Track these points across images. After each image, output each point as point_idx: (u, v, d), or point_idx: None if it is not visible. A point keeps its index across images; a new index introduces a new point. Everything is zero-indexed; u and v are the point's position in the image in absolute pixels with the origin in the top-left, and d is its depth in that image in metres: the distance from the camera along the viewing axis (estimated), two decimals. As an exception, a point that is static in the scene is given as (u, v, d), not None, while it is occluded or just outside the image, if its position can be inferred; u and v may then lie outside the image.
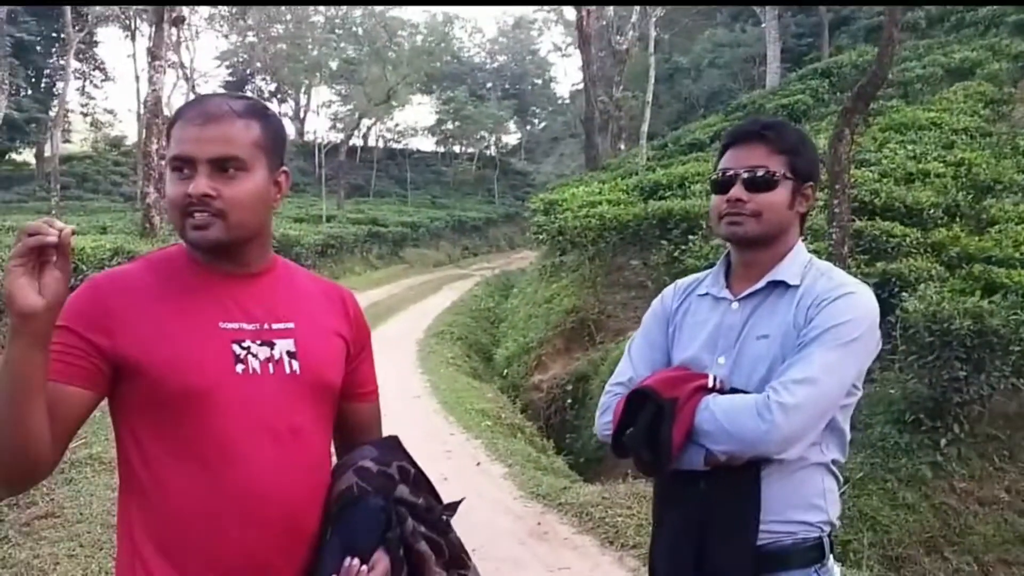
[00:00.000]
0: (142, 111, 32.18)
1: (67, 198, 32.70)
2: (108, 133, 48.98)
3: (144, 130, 23.42)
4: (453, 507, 1.86)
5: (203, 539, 1.60)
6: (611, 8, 32.60)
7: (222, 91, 47.08)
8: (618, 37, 31.20)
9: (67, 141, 43.40)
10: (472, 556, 1.86)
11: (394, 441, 1.89)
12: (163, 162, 22.07)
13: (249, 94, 44.24)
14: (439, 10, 45.50)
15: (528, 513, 6.53)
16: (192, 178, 1.62)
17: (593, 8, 29.30)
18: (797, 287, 2.05)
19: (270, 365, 1.68)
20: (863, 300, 2.01)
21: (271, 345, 1.69)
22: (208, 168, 1.62)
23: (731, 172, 2.10)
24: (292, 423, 1.69)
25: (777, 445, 1.90)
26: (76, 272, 13.64)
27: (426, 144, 56.74)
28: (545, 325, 13.92)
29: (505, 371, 13.87)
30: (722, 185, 2.11)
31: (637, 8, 29.45)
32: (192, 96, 40.85)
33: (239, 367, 1.64)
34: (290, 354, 1.71)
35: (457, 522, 1.85)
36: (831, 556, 2.07)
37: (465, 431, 8.99)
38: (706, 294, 2.21)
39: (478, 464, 7.85)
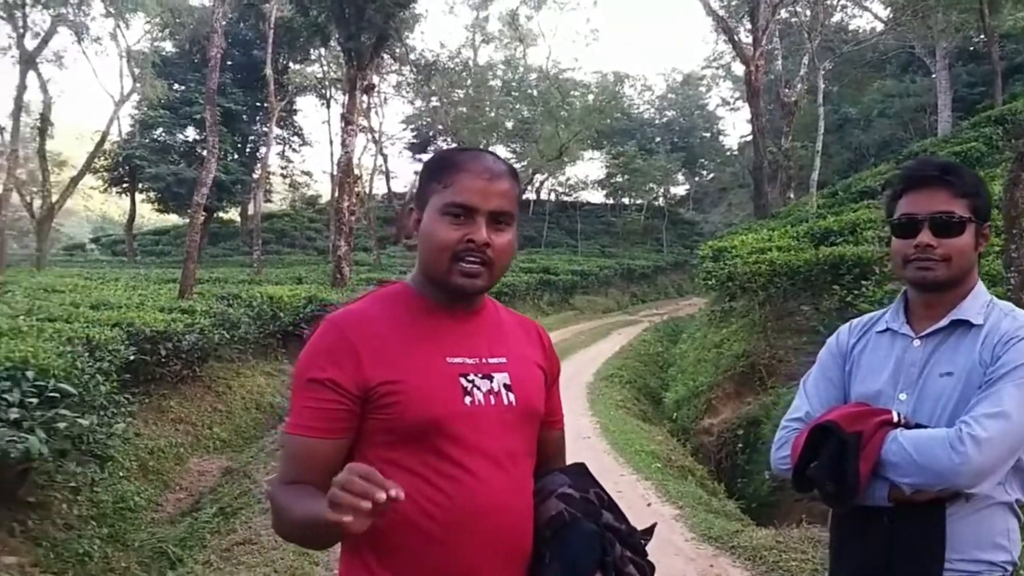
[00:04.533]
0: (335, 172, 33.78)
1: (267, 252, 34.48)
2: (304, 192, 51.58)
3: (337, 188, 24.57)
4: (649, 532, 1.90)
5: (433, 557, 1.67)
6: (779, 62, 32.09)
7: (408, 152, 49.19)
8: (786, 90, 30.58)
9: (268, 200, 45.91)
10: None
11: (583, 468, 1.92)
12: (353, 218, 23.15)
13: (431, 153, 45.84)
14: (610, 70, 45.90)
15: (700, 555, 6.35)
16: (467, 226, 1.70)
17: (762, 63, 28.89)
18: (981, 326, 1.99)
19: (491, 397, 1.74)
20: None
21: (490, 378, 1.76)
22: (486, 219, 1.70)
23: (916, 216, 2.04)
24: (511, 450, 1.76)
25: (969, 478, 1.82)
26: (274, 319, 14.38)
27: (596, 196, 57.06)
28: (715, 369, 13.64)
29: (675, 414, 13.65)
30: (906, 229, 2.06)
31: (805, 61, 28.88)
32: (380, 158, 42.70)
33: (467, 399, 1.71)
34: (506, 387, 1.77)
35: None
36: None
37: (635, 472, 8.87)
38: (886, 330, 2.15)
39: (649, 505, 7.71)
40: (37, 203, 32.52)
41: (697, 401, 13.24)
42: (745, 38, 31.05)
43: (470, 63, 42.74)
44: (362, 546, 1.68)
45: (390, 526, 1.63)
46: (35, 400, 5.83)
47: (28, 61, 28.97)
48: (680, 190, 61.40)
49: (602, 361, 17.14)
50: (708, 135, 58.31)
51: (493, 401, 1.74)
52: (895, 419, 1.93)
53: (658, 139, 54.16)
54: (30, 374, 6.06)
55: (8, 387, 5.78)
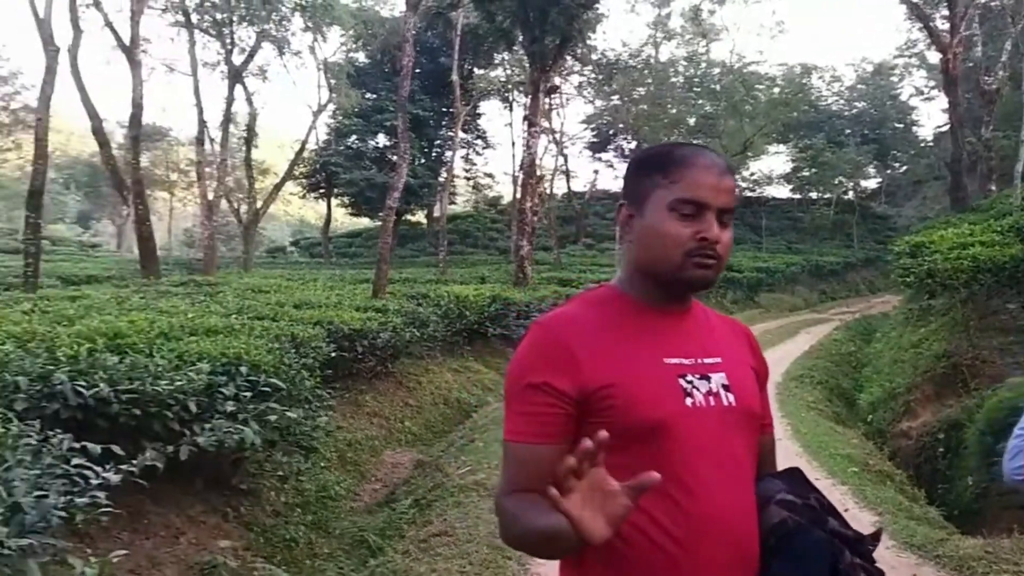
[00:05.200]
0: (517, 173, 34.21)
1: (452, 252, 35.33)
2: (487, 194, 52.55)
3: (520, 189, 24.89)
4: (877, 538, 1.79)
5: (658, 562, 1.62)
6: (979, 48, 30.15)
7: (588, 152, 49.28)
8: (987, 77, 28.70)
9: (452, 203, 47.03)
10: None
11: (798, 473, 1.86)
12: (535, 218, 23.40)
13: (611, 152, 45.59)
14: (797, 62, 44.49)
15: (901, 564, 6.03)
16: (697, 222, 1.68)
17: (959, 50, 27.23)
18: None
19: (710, 398, 1.69)
20: None
21: (708, 379, 1.71)
22: (714, 216, 1.68)
23: None
24: (734, 452, 1.71)
25: None
26: (460, 318, 14.73)
27: (781, 191, 55.44)
28: (913, 370, 12.96)
29: (870, 417, 13.04)
30: None
31: (1008, 47, 27.03)
32: (561, 158, 42.95)
33: (688, 400, 1.67)
34: (725, 387, 1.72)
35: None
36: None
37: (830, 476, 8.53)
38: None
39: (846, 511, 7.38)
40: (243, 209, 34.64)
41: (894, 403, 12.60)
42: (941, 25, 29.36)
43: (651, 60, 42.35)
44: (588, 558, 1.65)
45: (620, 535, 1.57)
46: (248, 394, 6.18)
47: (235, 75, 30.89)
48: (871, 183, 58.65)
49: (791, 361, 16.59)
50: (900, 126, 55.41)
51: (713, 402, 1.69)
52: None
53: (847, 131, 51.90)
54: (243, 369, 6.43)
55: (224, 381, 6.14)
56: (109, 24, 25.26)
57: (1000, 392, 9.55)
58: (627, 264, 1.78)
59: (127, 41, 23.44)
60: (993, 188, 27.16)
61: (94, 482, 3.67)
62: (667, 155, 1.74)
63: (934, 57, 32.18)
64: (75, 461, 3.81)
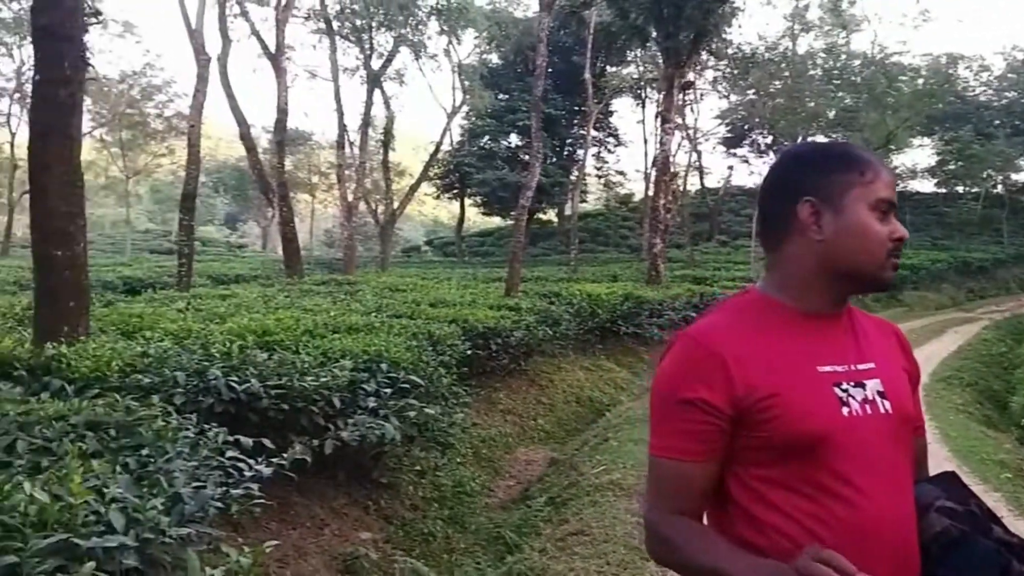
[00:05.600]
0: (650, 170, 33.87)
1: (583, 251, 35.28)
2: (618, 192, 52.23)
3: (653, 187, 24.67)
4: None
5: None
6: None
7: (722, 147, 48.39)
8: None
9: (583, 201, 46.98)
10: None
11: (955, 477, 1.77)
12: (669, 215, 23.14)
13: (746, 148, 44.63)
14: (942, 52, 42.56)
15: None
16: (888, 221, 1.67)
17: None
18: None
19: (867, 406, 1.62)
20: None
21: (863, 386, 1.64)
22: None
23: None
24: (893, 462, 1.64)
25: None
26: (592, 316, 14.69)
27: (926, 186, 53.13)
28: (1074, 373, 12.21)
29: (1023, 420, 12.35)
30: None
31: None
32: (695, 154, 42.32)
33: (844, 410, 1.60)
34: (880, 394, 1.65)
35: None
36: None
37: (983, 483, 8.10)
38: None
39: (1002, 518, 7.01)
40: (380, 209, 35.48)
41: (1050, 408, 11.91)
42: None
43: (789, 53, 41.22)
44: None
45: (778, 552, 1.55)
46: (388, 390, 6.32)
47: (374, 80, 31.66)
48: (1023, 176, 55.60)
49: (937, 361, 15.85)
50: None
51: (869, 410, 1.61)
52: None
53: (997, 122, 49.29)
54: (384, 366, 6.58)
55: (366, 378, 6.30)
56: (255, 33, 26.28)
57: None
58: (795, 264, 1.69)
59: (272, 49, 24.35)
60: None
61: (247, 474, 3.81)
62: (850, 153, 1.70)
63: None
64: (229, 453, 3.97)
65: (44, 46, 6.18)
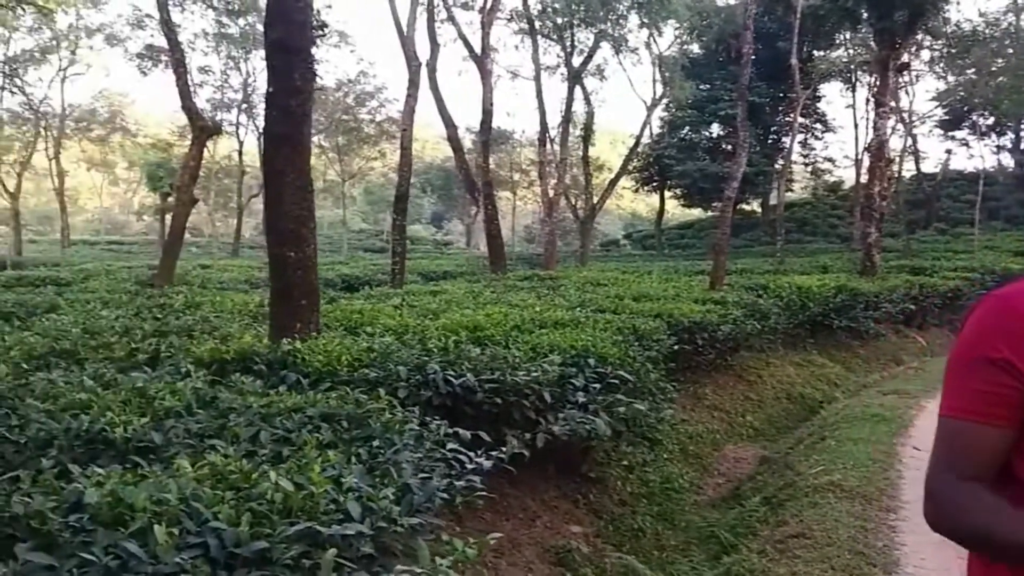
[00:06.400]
0: (862, 156, 32.31)
1: (789, 241, 34.15)
2: (826, 180, 50.12)
3: (867, 173, 23.51)
4: None
5: None
6: None
7: (939, 130, 45.53)
8: None
9: (789, 190, 45.38)
10: None
11: None
12: (883, 203, 21.97)
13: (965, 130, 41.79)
14: None
15: None
16: None
17: None
18: None
19: None
20: None
21: None
22: None
23: None
24: None
25: None
26: (803, 309, 14.16)
27: None
28: None
29: None
30: None
31: None
32: (910, 139, 40.01)
33: None
34: None
35: None
36: None
37: None
38: None
39: None
40: (580, 204, 35.65)
41: None
42: None
43: (1012, 29, 38.23)
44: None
45: None
46: (597, 385, 6.32)
47: (575, 76, 31.83)
48: None
49: None
50: None
51: None
52: None
53: None
54: (591, 361, 6.60)
55: (574, 373, 6.33)
56: (462, 36, 26.97)
57: None
58: None
59: (478, 51, 24.90)
60: None
61: (469, 466, 3.91)
62: None
63: None
64: (450, 446, 4.09)
65: (277, 59, 6.56)
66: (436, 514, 3.54)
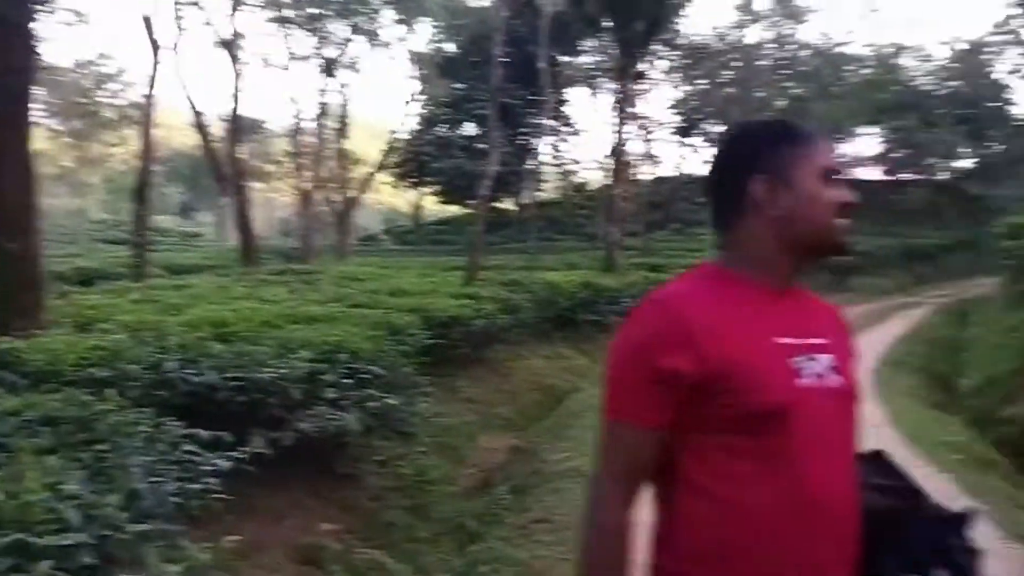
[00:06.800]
0: (605, 159, 33.87)
1: (541, 239, 35.27)
2: (574, 181, 52.22)
3: (609, 176, 24.71)
4: (972, 516, 1.71)
5: (769, 546, 1.55)
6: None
7: (675, 137, 48.62)
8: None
9: (540, 190, 46.91)
10: None
11: (883, 455, 1.80)
12: (625, 204, 23.19)
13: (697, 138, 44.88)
14: (887, 42, 43.23)
15: (1013, 555, 5.77)
16: (839, 188, 1.67)
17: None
18: None
19: (819, 379, 1.62)
20: None
21: (815, 359, 1.63)
22: None
23: None
24: (842, 436, 1.65)
25: None
26: (551, 304, 14.66)
27: (873, 174, 53.79)
28: (1016, 354, 12.44)
29: (971, 403, 12.57)
30: None
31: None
32: (647, 144, 42.47)
33: (800, 381, 1.59)
34: (832, 368, 1.65)
35: None
36: None
37: (932, 464, 8.23)
38: None
39: (951, 500, 7.12)
40: (338, 198, 35.18)
41: (996, 389, 12.11)
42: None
43: (739, 43, 41.56)
44: (691, 543, 1.59)
45: (725, 522, 1.55)
46: (348, 380, 6.23)
47: (328, 68, 31.33)
48: (966, 164, 56.57)
49: (886, 346, 16.09)
50: (996, 105, 53.29)
51: (822, 384, 1.61)
52: None
53: (940, 111, 50.08)
54: (343, 356, 6.48)
55: (325, 368, 6.20)
56: (209, 21, 25.86)
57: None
58: (753, 240, 1.68)
59: (226, 37, 23.95)
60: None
61: (205, 468, 3.72)
62: (793, 126, 1.72)
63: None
64: (185, 447, 3.87)
65: (-8, 35, 5.99)
66: (168, 519, 3.33)
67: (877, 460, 1.79)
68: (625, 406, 1.60)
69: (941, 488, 7.41)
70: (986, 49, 51.82)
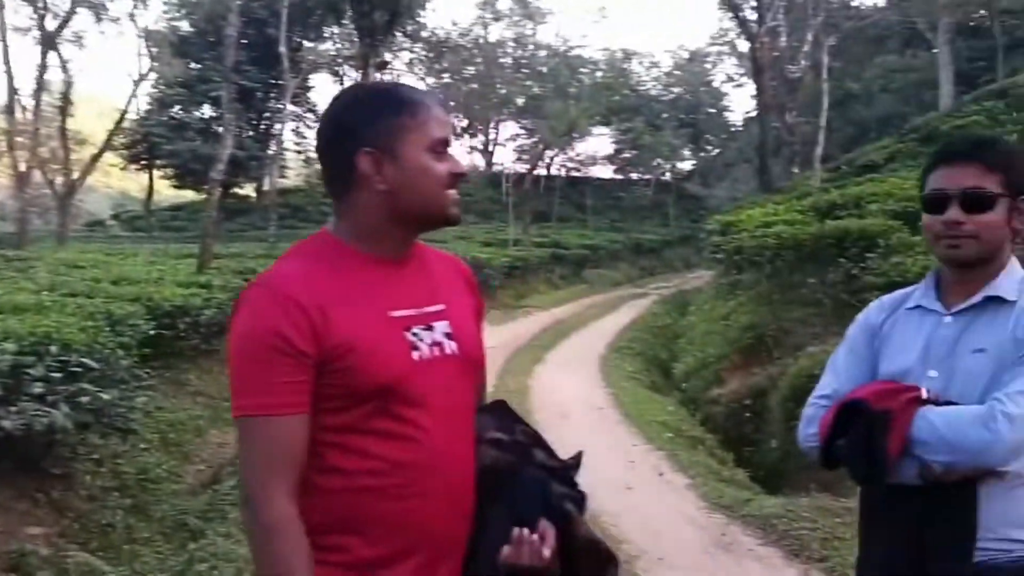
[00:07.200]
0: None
1: (284, 227, 34.40)
2: (318, 168, 51.26)
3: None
4: (578, 462, 1.81)
5: (394, 515, 1.58)
6: (784, 38, 31.93)
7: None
8: (790, 66, 30.44)
9: (283, 176, 45.70)
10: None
11: (504, 406, 1.86)
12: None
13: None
14: (618, 47, 45.65)
15: (712, 523, 6.32)
16: (448, 160, 1.67)
17: (767, 39, 28.69)
18: (1014, 302, 1.91)
19: (435, 348, 1.65)
20: None
21: (432, 328, 1.67)
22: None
23: (945, 192, 1.95)
24: (460, 401, 1.69)
25: (1001, 456, 1.76)
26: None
27: (605, 172, 56.71)
28: (723, 341, 13.59)
29: (684, 385, 13.62)
30: (935, 205, 1.97)
31: (810, 37, 28.73)
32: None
33: (415, 354, 1.62)
34: (448, 335, 1.69)
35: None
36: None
37: (647, 442, 8.85)
38: (916, 307, 2.06)
39: (661, 474, 7.70)
40: (59, 180, 32.54)
41: (706, 372, 13.20)
42: (750, 15, 30.78)
43: (481, 40, 42.47)
44: (316, 513, 1.57)
45: (350, 493, 1.57)
46: (59, 374, 5.81)
47: (48, 41, 28.90)
48: (687, 165, 60.96)
49: (613, 333, 17.08)
50: (713, 111, 57.88)
51: (438, 352, 1.65)
52: (925, 396, 1.86)
53: (665, 115, 53.65)
54: (53, 349, 6.04)
55: (32, 362, 5.76)
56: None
57: (800, 361, 10.12)
58: (363, 213, 1.66)
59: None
60: (796, 171, 28.82)
61: None
62: (401, 95, 1.69)
63: (744, 46, 33.86)
64: None
65: None
66: None
67: (499, 411, 1.84)
68: (257, 399, 1.53)
69: (654, 465, 8.02)
70: (705, 58, 56.18)
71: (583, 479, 1.77)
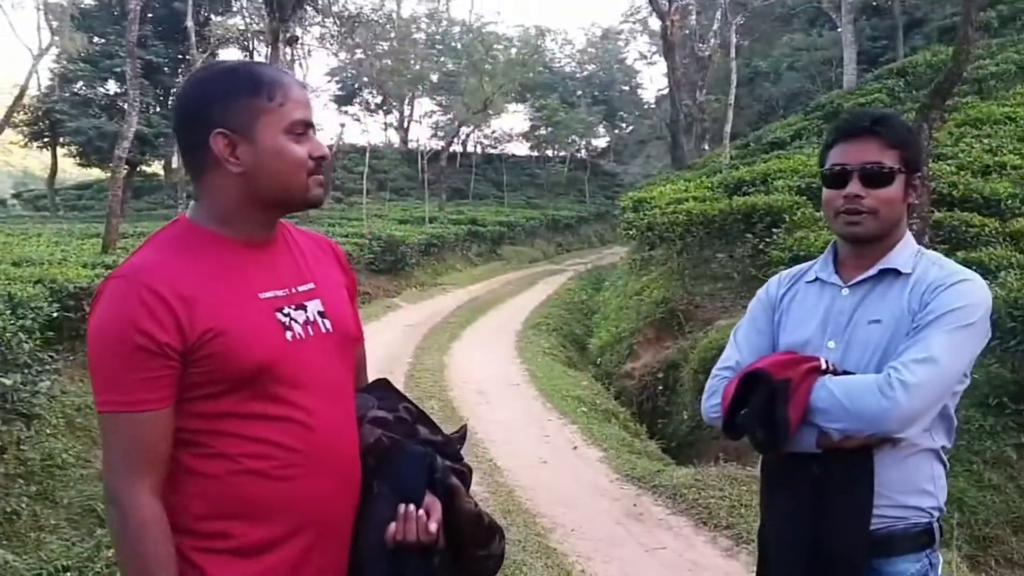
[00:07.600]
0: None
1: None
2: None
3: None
4: (462, 436, 1.86)
5: (279, 497, 1.57)
6: (694, 17, 32.32)
7: (334, 104, 48.28)
8: (701, 44, 30.85)
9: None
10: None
11: (385, 383, 1.90)
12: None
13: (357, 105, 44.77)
14: (532, 24, 45.62)
15: (624, 495, 6.44)
16: (309, 141, 1.66)
17: (677, 18, 28.99)
18: (909, 275, 1.97)
19: (308, 328, 1.65)
20: (978, 287, 1.92)
21: (304, 308, 1.66)
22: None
23: (845, 167, 2.00)
24: (337, 380, 1.69)
25: (897, 423, 1.81)
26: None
27: (521, 149, 56.70)
28: (636, 316, 13.76)
29: (599, 360, 13.75)
30: (835, 180, 2.03)
31: (719, 16, 29.14)
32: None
33: (288, 335, 1.61)
34: (320, 314, 1.68)
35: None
36: (940, 541, 1.98)
37: (562, 416, 8.93)
38: (815, 280, 2.13)
39: (575, 448, 7.78)
40: (-46, 158, 31.16)
41: (620, 347, 13.35)
42: (661, -7, 31.04)
43: (394, 16, 41.94)
44: (197, 498, 1.56)
45: (236, 476, 1.55)
46: (-45, 360, 5.59)
47: (-62, 12, 27.57)
48: (601, 142, 61.50)
49: (530, 310, 17.13)
50: (627, 88, 58.41)
51: (312, 332, 1.65)
52: (823, 366, 1.92)
53: (579, 92, 53.92)
54: (-52, 333, 5.80)
55: (-76, 347, 5.52)
56: None
57: (710, 334, 10.34)
58: (219, 195, 1.63)
59: None
60: (706, 148, 29.29)
61: None
62: (256, 75, 1.64)
63: (656, 24, 34.16)
64: None
65: None
66: None
67: (382, 389, 1.87)
68: (118, 395, 1.50)
69: (568, 438, 8.10)
70: (618, 36, 56.58)
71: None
